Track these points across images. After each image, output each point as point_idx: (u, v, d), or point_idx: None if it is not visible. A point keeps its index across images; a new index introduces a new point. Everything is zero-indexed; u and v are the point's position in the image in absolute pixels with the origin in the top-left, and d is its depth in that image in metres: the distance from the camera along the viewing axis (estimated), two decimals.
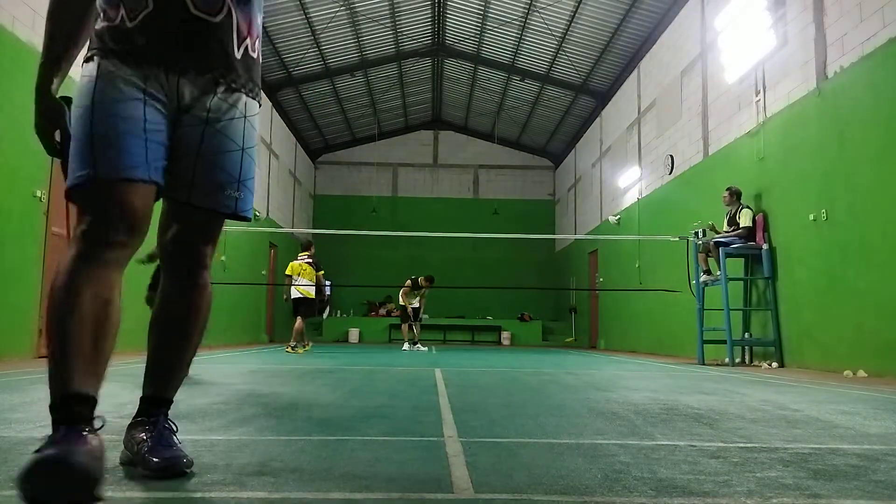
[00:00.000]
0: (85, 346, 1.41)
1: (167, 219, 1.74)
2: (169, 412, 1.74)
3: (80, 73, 1.61)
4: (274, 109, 16.30)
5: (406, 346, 12.60)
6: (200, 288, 1.75)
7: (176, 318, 1.75)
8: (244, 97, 1.72)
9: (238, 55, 1.69)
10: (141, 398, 1.74)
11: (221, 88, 1.67)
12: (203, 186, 1.67)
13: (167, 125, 1.62)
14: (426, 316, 13.62)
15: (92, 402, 1.39)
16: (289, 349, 9.83)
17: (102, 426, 1.38)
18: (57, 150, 1.61)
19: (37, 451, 1.26)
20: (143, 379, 1.76)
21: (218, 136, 1.68)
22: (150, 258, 4.59)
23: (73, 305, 1.42)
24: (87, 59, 1.60)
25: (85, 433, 1.32)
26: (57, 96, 1.61)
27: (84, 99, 1.55)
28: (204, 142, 1.66)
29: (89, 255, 1.46)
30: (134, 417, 1.73)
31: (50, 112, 1.59)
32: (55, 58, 1.60)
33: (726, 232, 8.53)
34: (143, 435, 1.66)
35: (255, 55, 1.75)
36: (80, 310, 1.42)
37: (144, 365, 1.77)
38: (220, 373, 5.39)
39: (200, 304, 1.75)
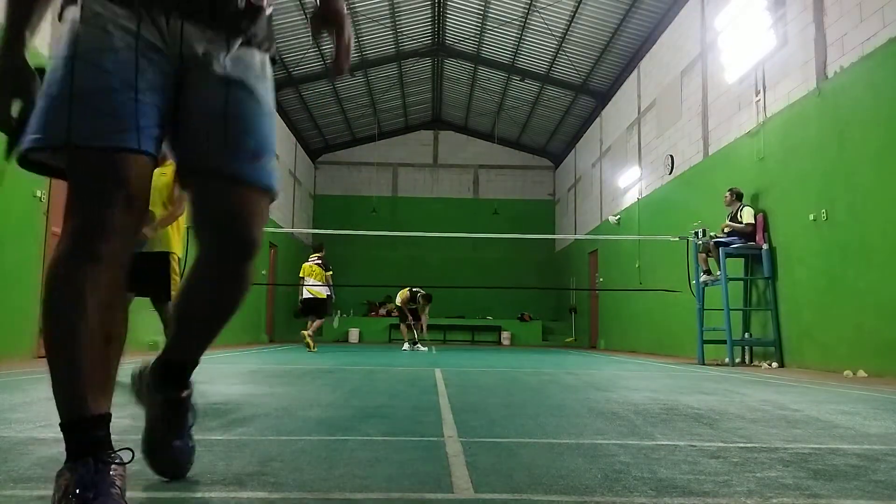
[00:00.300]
0: (97, 362, 1.26)
1: (194, 202, 1.46)
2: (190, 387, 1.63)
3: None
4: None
5: (406, 346, 12.60)
6: (241, 282, 1.50)
7: (205, 317, 1.54)
8: (258, 53, 1.48)
9: (240, 3, 1.43)
10: (161, 358, 1.60)
11: (237, 43, 1.43)
12: (235, 155, 1.40)
13: (167, 83, 1.35)
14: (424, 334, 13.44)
15: (108, 418, 1.28)
16: (305, 331, 10.44)
17: (132, 459, 1.29)
18: (10, 124, 1.32)
19: (65, 489, 1.18)
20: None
21: (245, 97, 1.42)
22: None
23: (78, 317, 1.24)
24: (69, 2, 1.34)
25: (112, 472, 1.21)
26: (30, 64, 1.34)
27: (64, 48, 1.28)
28: (230, 104, 1.40)
29: (82, 253, 1.25)
30: (154, 374, 1.59)
31: (17, 75, 1.31)
32: (26, 11, 1.32)
33: (728, 225, 8.53)
34: (160, 413, 1.57)
35: (262, 3, 1.48)
36: (87, 321, 1.24)
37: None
38: (220, 373, 5.38)
39: (235, 301, 1.52)
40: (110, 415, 1.29)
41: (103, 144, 1.25)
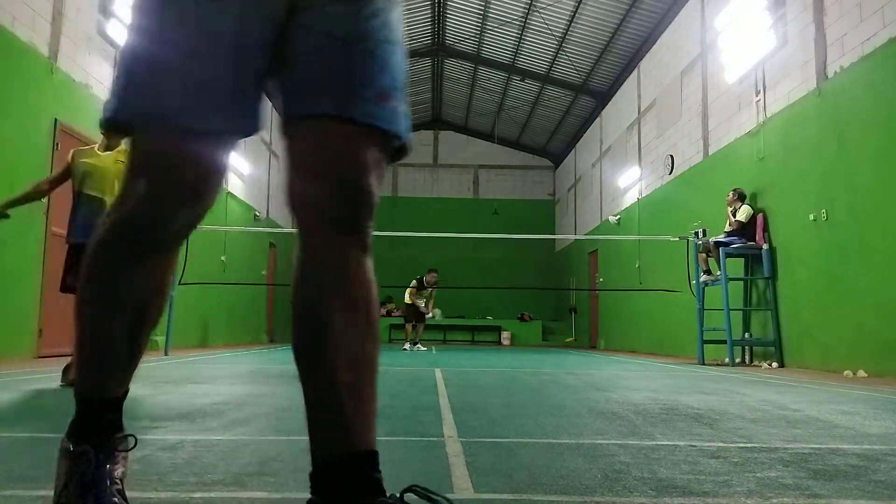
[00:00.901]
0: (127, 351, 1.22)
1: (291, 162, 1.10)
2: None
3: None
4: (274, 109, 16.28)
5: (407, 345, 12.63)
6: (359, 282, 1.16)
7: (332, 344, 1.11)
8: None
9: None
10: (313, 468, 1.07)
11: None
12: (359, 91, 1.05)
13: (274, 26, 1.06)
14: (434, 313, 13.43)
15: (124, 396, 1.25)
16: None
17: (135, 445, 1.27)
18: None
19: (65, 485, 1.17)
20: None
21: (375, 20, 1.07)
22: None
23: (121, 301, 1.15)
24: None
25: (112, 466, 1.19)
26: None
27: None
28: (354, 26, 1.05)
29: (135, 237, 1.12)
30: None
31: None
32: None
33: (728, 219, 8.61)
34: None
35: None
36: (130, 306, 1.16)
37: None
38: (220, 373, 5.38)
39: (370, 311, 1.16)
40: (127, 391, 1.26)
41: (187, 125, 1.03)
